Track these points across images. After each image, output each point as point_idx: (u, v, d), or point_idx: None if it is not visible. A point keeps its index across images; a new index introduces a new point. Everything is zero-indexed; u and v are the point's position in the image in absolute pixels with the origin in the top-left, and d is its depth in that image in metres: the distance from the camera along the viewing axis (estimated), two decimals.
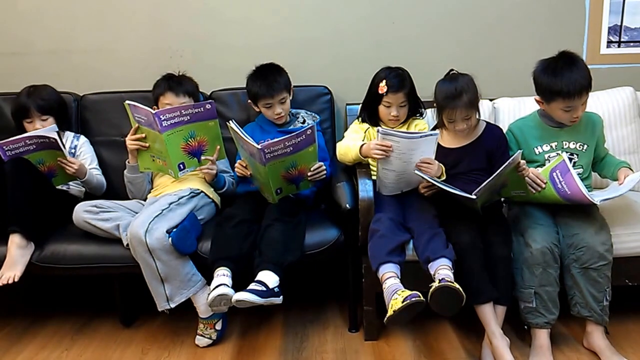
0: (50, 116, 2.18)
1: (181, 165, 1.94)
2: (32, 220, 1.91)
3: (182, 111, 1.87)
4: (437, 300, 1.60)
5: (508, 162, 1.65)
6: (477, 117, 1.90)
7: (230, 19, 2.45)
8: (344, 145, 2.05)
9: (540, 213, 1.85)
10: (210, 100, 1.94)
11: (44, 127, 2.12)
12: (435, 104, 1.92)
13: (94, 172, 2.22)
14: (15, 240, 1.86)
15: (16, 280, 1.83)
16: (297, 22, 2.46)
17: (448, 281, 1.59)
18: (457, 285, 1.58)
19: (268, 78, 2.09)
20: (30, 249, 1.90)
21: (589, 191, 1.77)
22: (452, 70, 1.92)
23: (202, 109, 1.90)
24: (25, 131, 2.13)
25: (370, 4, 2.44)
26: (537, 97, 1.88)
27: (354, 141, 2.03)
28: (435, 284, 1.60)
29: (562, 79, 1.76)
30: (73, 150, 2.25)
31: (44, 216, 1.97)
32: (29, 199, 1.92)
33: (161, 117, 1.83)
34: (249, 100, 2.18)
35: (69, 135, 2.28)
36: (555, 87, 1.77)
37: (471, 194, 1.68)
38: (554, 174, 1.76)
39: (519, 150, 1.75)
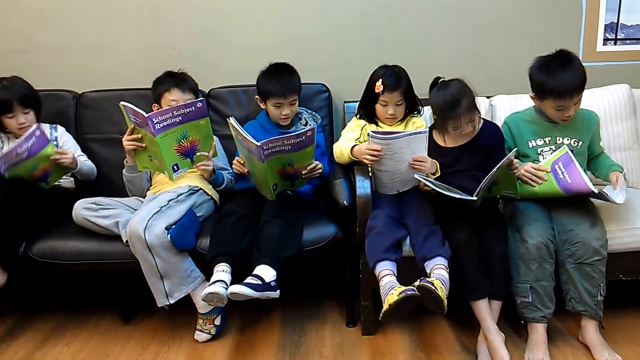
0: (31, 109, 2.13)
1: (175, 167, 1.93)
2: (8, 249, 1.90)
3: (174, 112, 1.84)
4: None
5: (504, 160, 1.67)
6: (479, 115, 1.91)
7: (228, 17, 2.46)
8: (339, 148, 2.05)
9: (536, 209, 1.86)
10: (200, 99, 1.92)
11: (28, 121, 2.08)
12: (435, 115, 1.92)
13: (82, 159, 2.20)
14: None
15: None
16: (295, 20, 2.46)
17: (429, 281, 1.61)
18: (441, 295, 1.59)
19: (283, 77, 2.09)
20: (3, 278, 1.89)
21: None
22: (438, 77, 1.90)
23: (193, 108, 1.87)
24: (4, 128, 2.11)
25: (368, 1, 2.45)
26: (532, 94, 1.89)
27: (348, 141, 2.04)
28: (417, 283, 1.62)
29: (554, 79, 1.77)
30: (55, 142, 2.19)
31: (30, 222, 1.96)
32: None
33: (154, 120, 1.80)
34: (257, 96, 2.17)
35: (45, 128, 2.20)
36: (547, 86, 1.78)
37: (472, 196, 1.69)
38: (556, 166, 1.78)
39: (515, 149, 1.76)
